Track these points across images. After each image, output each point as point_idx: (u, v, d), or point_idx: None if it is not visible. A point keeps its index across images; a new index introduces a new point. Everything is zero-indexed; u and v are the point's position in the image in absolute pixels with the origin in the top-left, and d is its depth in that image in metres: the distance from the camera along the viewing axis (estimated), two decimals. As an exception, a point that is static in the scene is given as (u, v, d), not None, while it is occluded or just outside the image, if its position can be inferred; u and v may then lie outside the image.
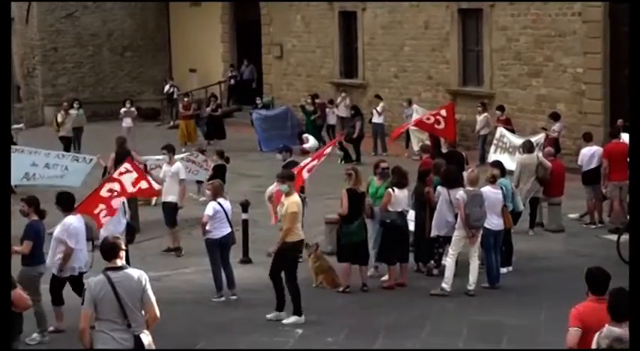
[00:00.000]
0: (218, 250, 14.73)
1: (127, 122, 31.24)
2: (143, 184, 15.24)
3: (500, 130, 24.99)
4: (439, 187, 15.35)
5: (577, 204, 19.82)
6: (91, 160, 20.49)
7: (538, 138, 22.65)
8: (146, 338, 8.88)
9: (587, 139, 20.07)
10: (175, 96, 37.02)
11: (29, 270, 12.46)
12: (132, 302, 8.78)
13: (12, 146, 18.75)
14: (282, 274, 13.45)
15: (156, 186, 20.34)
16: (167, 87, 38.07)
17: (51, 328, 12.88)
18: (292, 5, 35.15)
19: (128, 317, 8.76)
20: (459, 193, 14.66)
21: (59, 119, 29.94)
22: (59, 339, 12.68)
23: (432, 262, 15.80)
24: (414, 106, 28.32)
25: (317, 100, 31.46)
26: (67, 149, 27.92)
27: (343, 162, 26.80)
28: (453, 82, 29.16)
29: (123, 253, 9.04)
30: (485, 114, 26.73)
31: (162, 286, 14.90)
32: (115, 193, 14.51)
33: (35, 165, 20.10)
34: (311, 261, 15.50)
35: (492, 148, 24.97)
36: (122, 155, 19.17)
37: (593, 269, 8.54)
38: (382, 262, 15.45)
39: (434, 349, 12.28)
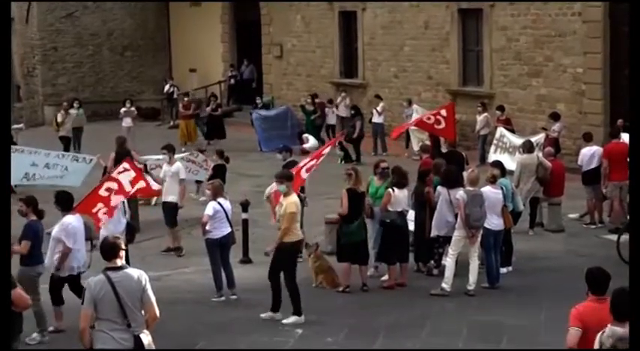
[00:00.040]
0: (218, 249, 14.73)
1: (127, 122, 31.24)
2: (141, 184, 15.24)
3: (500, 130, 24.99)
4: (439, 187, 15.35)
5: (577, 204, 19.82)
6: (91, 160, 20.50)
7: (538, 138, 22.65)
8: (146, 338, 8.88)
9: (587, 139, 20.06)
10: (175, 96, 37.03)
11: (28, 270, 12.46)
12: (132, 302, 8.78)
13: (12, 146, 18.76)
14: (282, 275, 13.45)
15: (156, 186, 20.43)
16: (167, 87, 38.07)
17: (51, 328, 12.88)
18: (292, 5, 35.15)
19: (128, 317, 8.76)
20: (459, 193, 14.66)
21: (59, 119, 29.94)
22: (59, 339, 12.68)
23: (432, 262, 15.81)
24: (414, 106, 28.33)
25: (316, 100, 31.47)
26: (66, 149, 27.93)
27: (343, 162, 26.81)
28: (453, 82, 29.16)
29: (123, 253, 9.05)
30: (485, 114, 26.73)
31: (163, 285, 14.90)
32: (113, 192, 14.52)
33: (35, 165, 20.11)
34: (311, 261, 15.50)
35: (492, 148, 24.97)
36: (122, 155, 19.16)
37: (593, 269, 8.54)
38: (382, 262, 15.46)
39: (434, 349, 12.28)
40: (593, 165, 19.19)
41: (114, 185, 14.74)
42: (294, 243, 13.46)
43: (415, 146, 26.14)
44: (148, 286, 8.91)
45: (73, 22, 39.91)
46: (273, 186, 14.79)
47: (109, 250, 8.93)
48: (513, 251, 16.21)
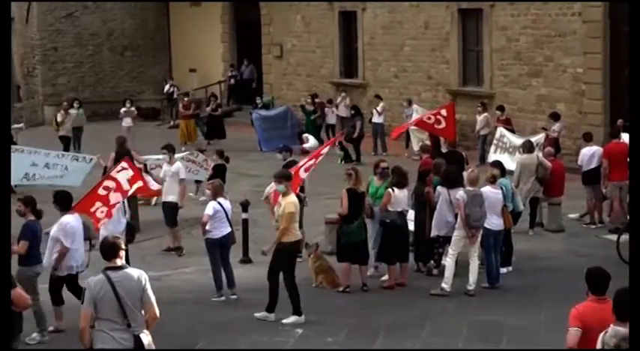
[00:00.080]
0: (218, 249, 14.73)
1: (127, 122, 31.25)
2: (139, 183, 15.24)
3: (500, 130, 24.98)
4: (439, 187, 15.35)
5: (577, 204, 19.82)
6: (91, 159, 20.49)
7: (538, 138, 22.66)
8: (146, 338, 8.88)
9: (587, 139, 20.06)
10: (175, 96, 37.04)
11: (26, 270, 12.45)
12: (132, 302, 8.78)
13: (12, 146, 18.76)
14: (281, 275, 13.45)
15: (156, 186, 20.43)
16: (167, 87, 38.08)
17: (51, 328, 12.87)
18: (292, 5, 35.16)
19: (128, 317, 8.76)
20: (459, 193, 14.66)
21: (59, 119, 29.95)
22: (59, 339, 12.68)
23: (432, 262, 15.80)
24: (414, 106, 28.33)
25: (316, 100, 31.48)
26: (66, 149, 27.94)
27: (343, 162, 26.82)
28: (453, 82, 29.16)
29: (123, 253, 9.05)
30: (485, 114, 26.73)
31: (163, 285, 14.90)
32: (112, 191, 14.52)
33: (35, 165, 20.10)
34: (311, 261, 15.50)
35: (492, 148, 24.97)
36: (122, 155, 19.14)
37: (593, 269, 8.53)
38: (382, 262, 15.45)
39: (434, 349, 12.28)
40: (593, 165, 19.19)
41: (112, 184, 14.75)
42: (292, 243, 13.46)
43: (415, 146, 26.14)
44: (148, 286, 8.91)
45: (73, 22, 39.92)
46: (273, 186, 14.78)
47: (109, 249, 8.93)
48: (513, 251, 16.21)
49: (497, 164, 16.49)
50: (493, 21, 27.55)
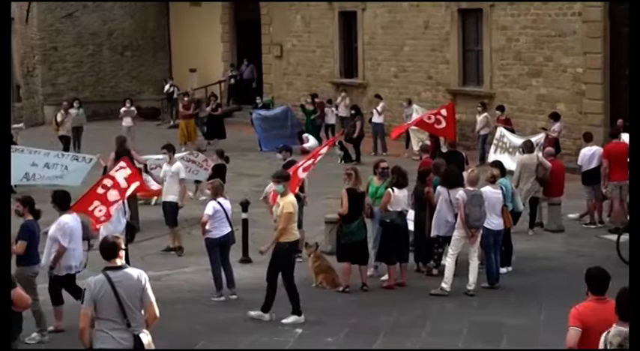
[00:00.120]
0: (218, 249, 14.73)
1: (127, 121, 31.24)
2: (137, 182, 15.22)
3: (500, 130, 24.98)
4: (439, 187, 15.35)
5: (577, 204, 19.82)
6: (91, 159, 20.48)
7: (538, 138, 22.65)
8: (146, 338, 8.88)
9: (587, 139, 20.06)
10: (175, 95, 37.05)
11: (24, 270, 12.43)
12: (131, 302, 8.78)
13: (12, 146, 18.74)
14: (280, 275, 13.44)
15: (156, 186, 20.44)
16: (167, 86, 38.08)
17: (50, 328, 12.86)
18: (292, 5, 35.17)
19: (128, 317, 8.76)
20: (459, 193, 14.66)
21: (59, 118, 29.95)
22: (59, 338, 12.68)
23: (432, 261, 15.80)
24: (414, 106, 28.34)
25: (316, 100, 31.49)
26: (66, 148, 27.93)
27: (343, 162, 26.82)
28: (453, 82, 29.16)
29: (122, 253, 9.04)
30: (485, 114, 26.74)
31: (162, 285, 14.91)
32: (110, 189, 14.53)
33: (35, 165, 20.09)
34: (311, 261, 15.50)
35: (492, 148, 24.96)
36: (122, 155, 19.15)
37: (593, 269, 8.53)
38: (382, 262, 15.45)
39: (434, 349, 12.28)
40: (593, 165, 19.19)
41: (109, 182, 14.76)
42: (291, 243, 13.45)
43: (415, 146, 26.14)
44: (148, 286, 8.91)
45: (73, 22, 39.93)
46: (272, 186, 14.78)
47: (109, 249, 8.93)
48: (513, 251, 16.22)
49: (497, 164, 16.49)
50: (493, 21, 27.56)
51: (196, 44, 39.46)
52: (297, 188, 16.07)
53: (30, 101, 40.66)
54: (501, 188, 15.39)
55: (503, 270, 15.50)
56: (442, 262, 15.40)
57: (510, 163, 21.01)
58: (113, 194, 14.58)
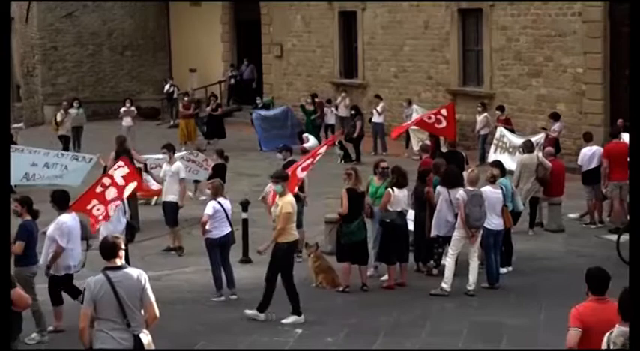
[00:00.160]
0: (218, 249, 14.73)
1: (127, 121, 31.25)
2: (134, 182, 15.21)
3: (500, 130, 24.98)
4: (439, 187, 15.34)
5: (577, 204, 19.82)
6: (91, 159, 20.47)
7: (538, 138, 22.65)
8: (145, 338, 8.88)
9: (587, 139, 20.06)
10: (175, 95, 37.05)
11: (23, 270, 12.41)
12: (131, 301, 8.77)
13: (12, 146, 18.73)
14: (279, 276, 13.45)
15: (156, 186, 20.44)
16: (167, 86, 38.08)
17: (50, 328, 12.86)
18: (292, 5, 35.17)
19: (127, 316, 8.76)
20: (459, 193, 14.66)
21: (58, 118, 29.96)
22: (59, 338, 12.67)
23: (432, 261, 15.80)
24: (414, 106, 28.35)
25: (316, 100, 31.49)
26: (66, 148, 27.93)
27: (343, 162, 26.82)
28: (453, 82, 29.16)
29: (122, 253, 9.04)
30: (485, 114, 26.74)
31: (162, 285, 14.91)
32: (108, 187, 14.54)
33: (35, 165, 20.07)
34: (311, 260, 15.49)
35: (492, 148, 24.96)
36: (122, 154, 19.15)
37: (593, 269, 8.53)
38: (382, 262, 15.45)
39: (434, 349, 12.28)
40: (593, 165, 19.18)
41: (108, 181, 14.77)
42: (290, 243, 13.45)
43: (415, 146, 26.14)
44: (148, 286, 8.91)
45: (73, 22, 39.93)
46: (271, 186, 14.79)
47: (109, 249, 8.92)
48: (513, 251, 16.21)
49: (497, 164, 16.49)
50: (493, 21, 27.55)
51: (196, 44, 39.46)
52: (297, 188, 16.08)
53: (30, 101, 40.66)
54: (501, 188, 15.39)
55: (503, 270, 15.50)
56: (442, 262, 15.39)
57: (510, 163, 21.01)
58: (111, 193, 14.58)
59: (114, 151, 20.04)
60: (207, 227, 14.60)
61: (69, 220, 12.90)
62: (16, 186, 19.89)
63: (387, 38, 31.37)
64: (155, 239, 18.74)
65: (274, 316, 13.45)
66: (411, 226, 15.78)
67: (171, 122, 36.44)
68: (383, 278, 15.33)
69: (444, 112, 21.84)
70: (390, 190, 15.05)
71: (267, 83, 36.87)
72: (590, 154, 19.36)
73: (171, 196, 18.08)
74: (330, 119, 31.21)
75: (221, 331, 13.17)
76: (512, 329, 12.93)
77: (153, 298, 8.92)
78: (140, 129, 32.33)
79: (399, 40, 30.91)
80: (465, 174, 15.60)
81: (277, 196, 13.63)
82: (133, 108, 31.92)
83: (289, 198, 13.54)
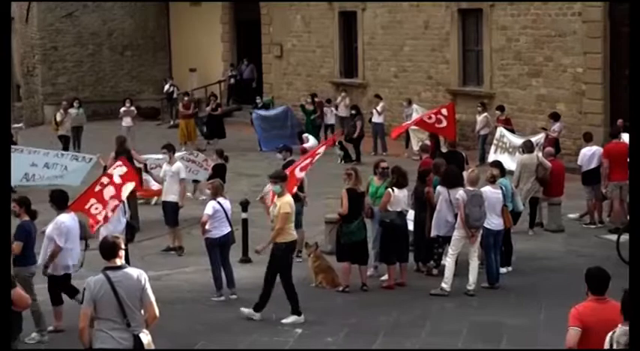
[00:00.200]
0: (218, 249, 14.72)
1: (127, 121, 31.25)
2: (132, 183, 15.20)
3: (500, 130, 24.97)
4: (439, 187, 15.34)
5: (577, 204, 19.81)
6: (91, 159, 20.45)
7: (538, 138, 22.65)
8: (145, 337, 8.88)
9: (587, 139, 20.06)
10: (175, 95, 37.05)
11: (21, 270, 12.38)
12: (131, 301, 8.77)
13: (12, 146, 18.72)
14: (278, 276, 13.45)
15: (156, 186, 20.43)
16: (167, 86, 38.09)
17: (50, 328, 12.86)
18: (292, 5, 35.17)
19: (127, 316, 8.75)
20: (459, 193, 14.66)
21: (58, 118, 29.96)
22: (59, 338, 12.67)
23: (432, 261, 15.80)
24: (414, 106, 28.35)
25: (316, 99, 31.50)
26: (65, 148, 27.92)
27: (343, 162, 26.82)
28: (453, 82, 29.16)
29: (122, 253, 9.03)
30: (485, 114, 26.74)
31: (162, 285, 14.91)
32: (105, 186, 14.55)
33: (35, 165, 20.05)
34: (310, 260, 15.49)
35: (492, 148, 24.95)
36: (122, 154, 19.15)
37: (593, 269, 8.53)
38: (382, 262, 15.44)
39: (434, 349, 12.27)
40: (593, 165, 19.19)
41: (106, 180, 14.78)
42: (288, 243, 13.44)
43: (415, 146, 26.14)
44: (148, 286, 8.90)
45: (73, 22, 39.93)
46: (270, 186, 14.78)
47: (109, 249, 8.92)
48: (513, 251, 16.21)
49: (497, 164, 16.49)
50: (493, 21, 27.55)
51: (196, 44, 39.45)
52: (297, 188, 16.08)
53: (30, 101, 40.66)
54: (501, 188, 15.39)
55: (503, 270, 15.50)
56: (442, 262, 15.39)
57: (510, 163, 21.01)
58: (109, 191, 14.57)
59: (114, 151, 20.05)
60: (207, 227, 14.59)
61: (67, 219, 12.89)
62: (15, 186, 19.87)
63: (387, 38, 31.36)
64: (155, 239, 18.74)
65: (274, 315, 13.44)
66: (410, 226, 15.78)
67: (171, 122, 36.44)
68: (383, 278, 15.33)
69: (444, 111, 21.86)
70: (389, 190, 15.05)
71: (267, 83, 36.87)
72: (590, 154, 19.36)
73: (171, 196, 18.08)
74: (330, 119, 31.21)
75: (221, 331, 13.17)
76: (512, 329, 12.93)
77: (153, 298, 8.92)
78: (140, 129, 32.33)
79: (399, 40, 30.90)
80: (465, 174, 15.60)
81: (276, 196, 13.63)
82: (132, 108, 31.92)
83: (288, 198, 13.54)
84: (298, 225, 16.42)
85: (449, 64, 29.19)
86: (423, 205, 15.73)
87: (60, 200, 13.05)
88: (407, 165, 18.30)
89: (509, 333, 12.78)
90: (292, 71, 35.69)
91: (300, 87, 35.01)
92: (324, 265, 15.40)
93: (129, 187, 15.01)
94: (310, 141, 28.88)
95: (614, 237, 16.88)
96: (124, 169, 15.17)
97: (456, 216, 14.78)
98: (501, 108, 26.22)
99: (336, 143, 26.77)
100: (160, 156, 20.03)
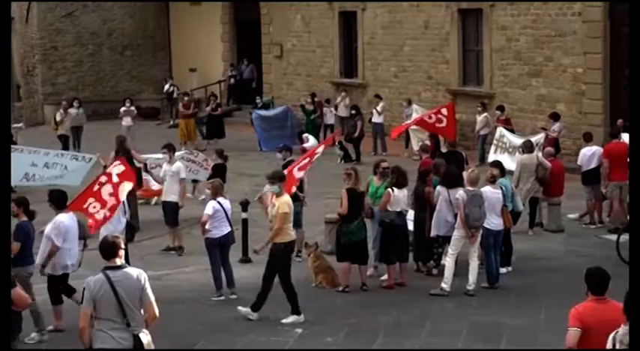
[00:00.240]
0: (218, 249, 14.73)
1: (127, 121, 31.25)
2: (129, 183, 15.21)
3: (500, 130, 24.97)
4: (439, 187, 15.33)
5: (577, 204, 19.81)
6: (91, 158, 20.45)
7: (538, 138, 22.65)
8: (145, 337, 8.88)
9: (587, 139, 20.06)
10: (175, 95, 37.05)
11: (19, 270, 12.37)
12: (131, 301, 8.77)
13: (12, 146, 18.71)
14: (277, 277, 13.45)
15: (156, 186, 20.42)
16: (167, 86, 38.09)
17: (50, 328, 12.85)
18: (292, 5, 35.17)
19: (127, 316, 8.75)
20: (459, 193, 14.66)
21: (58, 118, 29.96)
22: (59, 338, 12.67)
23: (432, 261, 15.79)
24: (414, 106, 28.35)
25: (315, 99, 31.50)
26: (65, 148, 27.92)
27: (343, 162, 26.82)
28: (453, 82, 29.16)
29: (122, 253, 9.03)
30: (485, 114, 26.74)
31: (162, 285, 14.91)
32: (104, 185, 14.57)
33: (35, 165, 20.04)
34: (310, 260, 15.49)
35: (492, 148, 24.95)
36: (122, 154, 19.15)
37: (593, 269, 8.53)
38: (381, 262, 15.44)
39: (434, 349, 12.27)
40: (593, 165, 19.19)
41: (104, 179, 14.79)
42: (287, 243, 13.44)
43: (415, 146, 26.14)
44: (148, 286, 8.90)
45: (73, 22, 39.93)
46: (269, 187, 14.78)
47: (109, 249, 8.92)
48: (513, 251, 16.21)
49: (497, 164, 16.49)
50: (493, 21, 27.55)
51: (196, 44, 39.45)
52: (296, 188, 16.08)
53: (30, 101, 40.66)
54: (501, 188, 15.39)
55: (503, 270, 15.50)
56: (442, 262, 15.39)
57: (510, 163, 21.00)
58: (107, 189, 14.57)
59: (114, 150, 20.05)
60: (207, 227, 14.60)
61: (66, 219, 12.89)
62: (16, 186, 19.86)
63: (387, 38, 31.36)
64: (155, 239, 18.75)
65: (271, 315, 13.43)
66: (410, 226, 15.78)
67: (171, 122, 36.44)
68: (382, 278, 15.33)
69: (444, 111, 21.86)
70: (389, 190, 15.05)
71: (267, 83, 36.87)
72: (590, 154, 19.36)
73: (171, 196, 18.08)
74: (329, 119, 31.22)
75: (221, 330, 13.17)
76: (512, 329, 12.93)
77: (152, 298, 8.92)
78: (140, 129, 32.33)
79: (399, 40, 30.90)
80: (465, 174, 15.60)
81: (274, 196, 13.63)
82: (132, 108, 31.92)
83: (286, 198, 13.53)
84: (298, 225, 16.44)
85: (449, 64, 29.19)
86: (423, 205, 15.73)
87: (59, 200, 13.06)
88: (407, 165, 18.29)
89: (509, 333, 12.78)
90: (292, 71, 35.69)
91: (300, 87, 35.00)
92: (324, 265, 15.40)
93: (126, 186, 14.99)
94: (310, 141, 28.87)
95: (614, 237, 16.88)
96: (122, 168, 15.17)
97: (455, 216, 14.78)
98: (501, 108, 26.22)
99: (336, 143, 26.77)
100: (160, 156, 20.03)
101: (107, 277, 8.76)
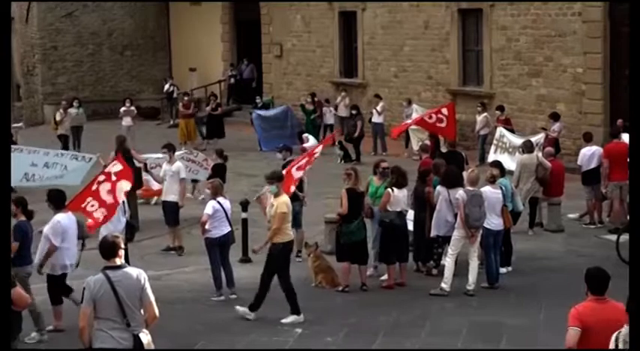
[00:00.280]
0: (217, 249, 14.73)
1: (127, 121, 31.25)
2: (126, 183, 15.20)
3: (500, 130, 24.97)
4: (439, 187, 15.33)
5: (577, 204, 19.82)
6: (91, 158, 20.44)
7: (538, 138, 22.64)
8: (145, 337, 8.88)
9: (587, 139, 20.06)
10: (175, 95, 37.06)
11: (18, 271, 12.36)
12: (131, 301, 8.77)
13: (12, 146, 18.71)
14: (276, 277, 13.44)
15: (157, 185, 20.42)
16: (167, 86, 38.09)
17: (50, 327, 12.85)
18: (292, 5, 35.17)
19: (127, 316, 8.75)
20: (459, 193, 14.66)
21: (57, 118, 29.97)
22: (58, 338, 12.67)
23: (432, 261, 15.79)
24: (414, 106, 28.35)
25: (315, 99, 31.51)
26: (65, 147, 27.92)
27: (343, 162, 26.82)
28: (452, 82, 29.16)
29: (122, 252, 9.03)
30: (485, 114, 26.74)
31: (162, 284, 14.91)
32: (102, 184, 14.58)
33: (34, 165, 20.03)
34: (310, 260, 15.49)
35: (492, 148, 24.95)
36: (121, 154, 19.12)
37: (593, 269, 8.53)
38: (381, 262, 15.44)
39: (434, 349, 12.27)
40: (593, 165, 19.19)
41: (102, 178, 14.80)
42: (285, 243, 13.43)
43: (415, 146, 26.14)
44: (147, 285, 8.90)
45: (73, 22, 39.93)
46: (268, 187, 14.77)
47: (109, 249, 8.92)
48: (513, 251, 16.21)
49: (497, 164, 16.48)
50: (493, 21, 27.55)
51: (196, 44, 39.46)
52: (296, 188, 16.07)
53: (30, 100, 40.66)
54: (501, 188, 15.39)
55: (503, 270, 15.50)
56: (442, 262, 15.39)
57: (510, 163, 21.00)
58: (105, 187, 14.57)
59: (114, 150, 20.02)
60: (206, 227, 14.59)
61: (64, 219, 12.88)
62: (16, 186, 19.85)
63: (387, 38, 31.36)
64: (155, 239, 18.75)
65: (269, 315, 13.42)
66: (410, 226, 15.78)
67: (171, 122, 36.44)
68: (382, 278, 15.33)
69: (444, 111, 21.86)
70: (389, 190, 15.05)
71: (267, 83, 36.88)
72: (590, 154, 19.36)
73: (171, 196, 18.07)
74: (329, 119, 31.22)
75: (221, 330, 13.17)
76: (512, 329, 12.93)
77: (152, 298, 8.91)
78: (140, 129, 32.34)
79: (399, 40, 30.91)
80: (465, 174, 15.60)
81: (272, 196, 13.62)
82: (132, 108, 31.92)
83: (284, 198, 13.53)
84: (298, 225, 16.45)
85: (449, 64, 29.19)
86: (423, 205, 15.72)
87: (57, 200, 13.06)
88: (407, 165, 18.30)
89: (509, 333, 12.78)
90: (292, 71, 35.69)
91: (300, 87, 35.00)
92: (323, 265, 15.40)
93: (124, 185, 14.97)
94: (310, 141, 28.84)
95: (613, 237, 16.88)
96: (120, 167, 15.16)
97: (455, 216, 14.77)
98: (501, 108, 26.22)
99: (336, 143, 26.76)
100: (160, 155, 20.03)
101: (107, 277, 8.76)
